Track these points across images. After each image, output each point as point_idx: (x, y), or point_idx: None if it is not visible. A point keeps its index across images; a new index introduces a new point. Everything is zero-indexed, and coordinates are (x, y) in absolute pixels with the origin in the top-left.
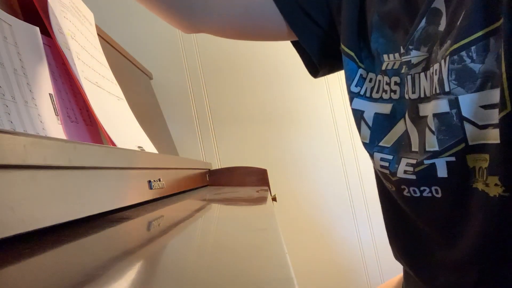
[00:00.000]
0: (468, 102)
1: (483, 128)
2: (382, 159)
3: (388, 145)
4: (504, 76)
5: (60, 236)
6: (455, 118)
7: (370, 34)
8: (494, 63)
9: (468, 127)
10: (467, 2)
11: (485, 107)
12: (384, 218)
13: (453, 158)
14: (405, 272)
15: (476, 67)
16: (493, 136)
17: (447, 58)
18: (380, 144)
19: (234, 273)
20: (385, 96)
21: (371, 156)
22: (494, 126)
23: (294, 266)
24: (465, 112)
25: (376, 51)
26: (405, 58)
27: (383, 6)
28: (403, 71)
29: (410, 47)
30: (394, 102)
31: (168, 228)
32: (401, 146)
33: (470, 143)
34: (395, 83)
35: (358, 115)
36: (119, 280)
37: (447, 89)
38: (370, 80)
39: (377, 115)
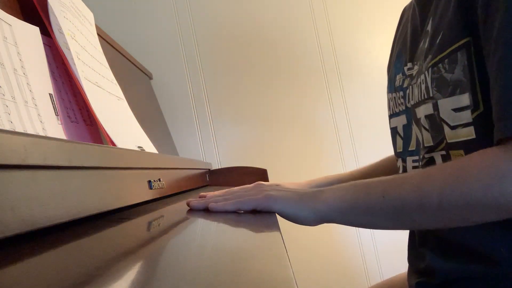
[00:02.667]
0: (444, 105)
1: (454, 128)
2: (413, 161)
3: (414, 148)
4: (477, 82)
5: (60, 236)
6: (437, 119)
7: (393, 63)
8: (461, 73)
9: (445, 127)
10: (443, 24)
11: (455, 110)
12: None
13: (444, 152)
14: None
15: (448, 76)
16: (463, 134)
17: (430, 69)
18: (409, 149)
19: (234, 273)
20: (400, 108)
21: (404, 161)
22: (463, 125)
23: (294, 266)
24: (442, 114)
25: (393, 75)
26: (409, 72)
27: (403, 36)
28: (405, 85)
29: (415, 62)
30: (405, 113)
31: (168, 228)
32: (420, 146)
33: (448, 141)
34: (401, 97)
35: (395, 132)
36: (119, 280)
37: (431, 94)
38: (390, 100)
39: (402, 126)
